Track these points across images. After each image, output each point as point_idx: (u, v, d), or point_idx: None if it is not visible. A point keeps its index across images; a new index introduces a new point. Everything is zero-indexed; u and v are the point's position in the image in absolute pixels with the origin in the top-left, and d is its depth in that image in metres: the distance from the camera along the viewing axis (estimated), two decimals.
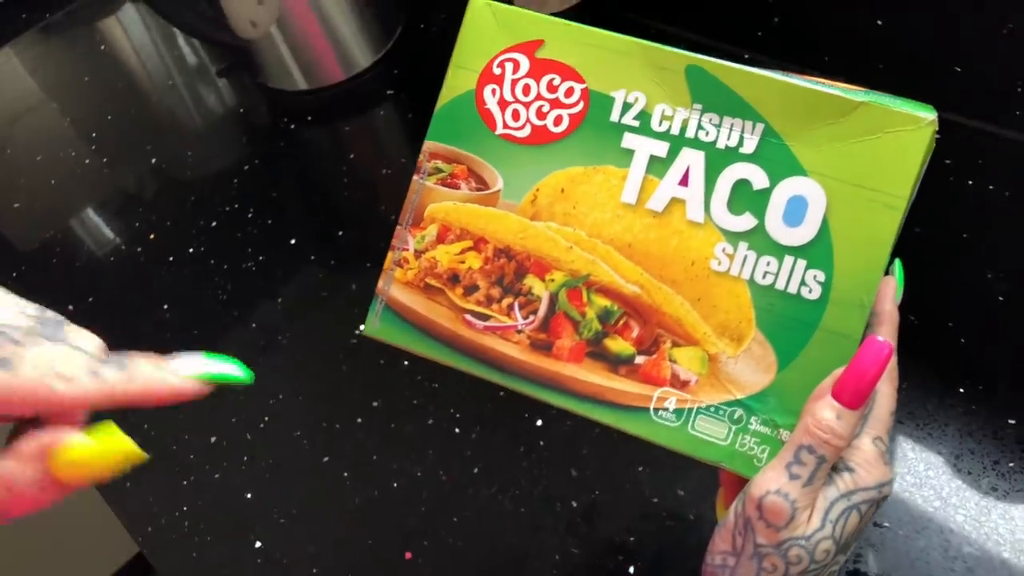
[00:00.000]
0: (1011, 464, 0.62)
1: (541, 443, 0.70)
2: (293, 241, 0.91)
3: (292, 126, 1.03)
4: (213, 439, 0.76)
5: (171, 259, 0.93)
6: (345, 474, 0.72)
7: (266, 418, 0.76)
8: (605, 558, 0.64)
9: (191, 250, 0.93)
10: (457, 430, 0.72)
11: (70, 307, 0.92)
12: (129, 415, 0.76)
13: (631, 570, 0.63)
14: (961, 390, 0.65)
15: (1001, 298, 0.69)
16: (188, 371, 0.36)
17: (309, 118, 1.04)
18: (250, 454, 0.74)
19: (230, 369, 0.37)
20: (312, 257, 0.89)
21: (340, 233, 0.91)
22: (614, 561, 0.63)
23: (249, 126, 1.08)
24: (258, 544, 0.70)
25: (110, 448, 0.33)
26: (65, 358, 0.33)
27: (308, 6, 0.98)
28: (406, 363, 0.77)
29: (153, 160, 1.04)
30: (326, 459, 0.73)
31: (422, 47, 1.06)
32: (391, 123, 1.03)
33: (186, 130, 1.09)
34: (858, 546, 0.60)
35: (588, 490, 0.67)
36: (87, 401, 0.33)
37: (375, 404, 0.75)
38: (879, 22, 0.81)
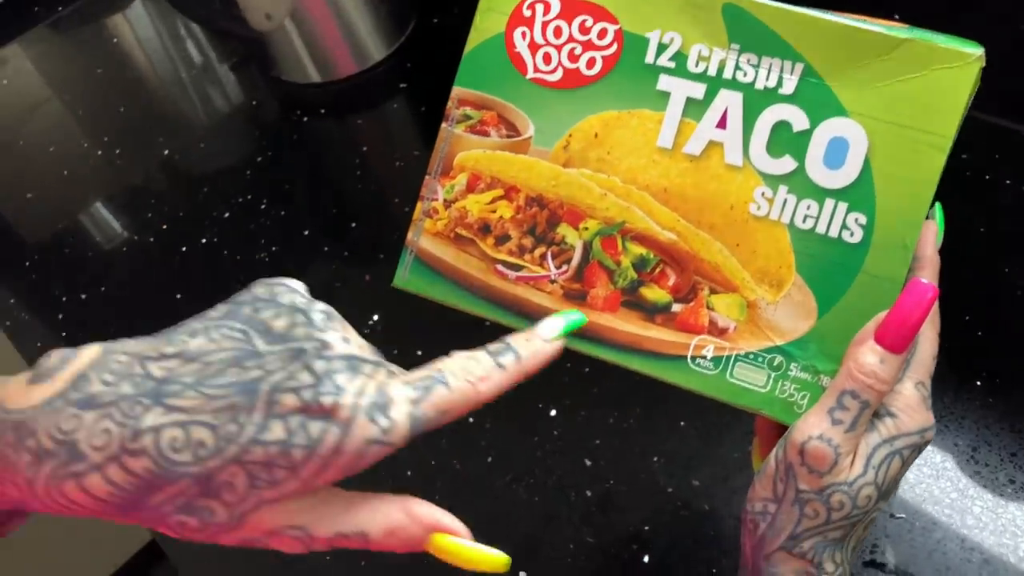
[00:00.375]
0: None
1: (555, 433, 0.69)
2: (306, 233, 0.90)
3: (305, 119, 1.03)
4: None
5: (184, 249, 0.92)
6: None
7: None
8: (620, 547, 0.63)
9: (203, 240, 0.92)
10: (471, 419, 0.71)
11: (83, 296, 0.91)
12: None
13: (645, 559, 0.62)
14: (978, 383, 0.65)
15: (1019, 292, 0.69)
16: (552, 333, 0.40)
17: (322, 111, 1.04)
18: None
19: (577, 317, 0.42)
20: (325, 248, 0.89)
21: (353, 225, 0.90)
22: (628, 551, 0.63)
23: (261, 119, 1.08)
24: None
25: (482, 559, 0.37)
26: (476, 362, 0.37)
27: None
28: (419, 352, 0.76)
29: (165, 152, 1.04)
30: None
31: (435, 41, 1.06)
32: (404, 116, 1.03)
33: (198, 123, 1.09)
34: (875, 537, 0.59)
35: (602, 480, 0.66)
36: (497, 394, 0.37)
37: None
38: (896, 15, 0.81)
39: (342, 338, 0.36)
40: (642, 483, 0.65)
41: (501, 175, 0.45)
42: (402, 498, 0.37)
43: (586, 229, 0.44)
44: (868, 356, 0.39)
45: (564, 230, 0.44)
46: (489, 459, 0.69)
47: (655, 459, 0.66)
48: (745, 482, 0.64)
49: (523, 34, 0.45)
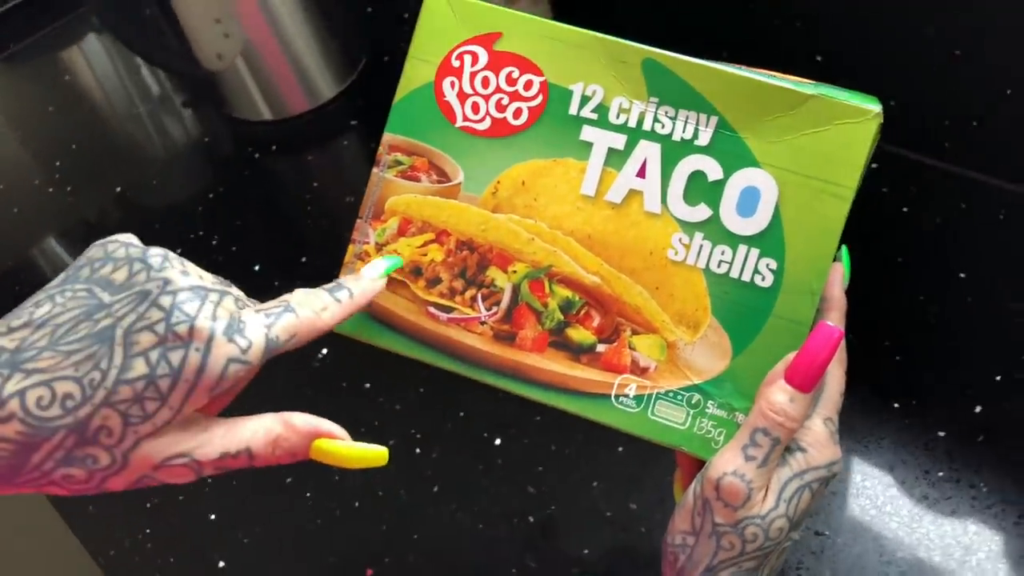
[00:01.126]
0: (940, 473, 0.63)
1: (500, 461, 0.71)
2: (257, 268, 0.91)
3: (256, 156, 1.03)
4: None
5: None
6: (308, 494, 0.71)
7: None
8: (561, 571, 0.64)
9: None
10: (418, 450, 0.72)
11: None
12: None
13: None
14: (896, 405, 0.67)
15: (932, 319, 0.71)
16: (376, 273, 0.44)
17: (274, 148, 1.04)
18: (214, 476, 0.73)
19: (395, 260, 0.46)
20: (276, 283, 0.88)
21: (304, 260, 0.91)
22: (569, 574, 0.64)
23: (214, 156, 1.08)
24: (221, 564, 0.69)
25: (361, 455, 0.40)
26: (316, 296, 0.41)
27: (273, 38, 0.99)
28: (367, 386, 0.77)
29: (118, 189, 1.04)
30: (289, 480, 0.73)
31: (386, 78, 1.05)
32: (355, 153, 1.04)
33: (151, 159, 1.09)
34: (799, 555, 0.61)
35: (545, 506, 0.67)
36: (337, 322, 0.41)
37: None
38: (818, 58, 0.84)
39: (181, 272, 0.37)
40: (582, 508, 0.67)
41: (432, 219, 0.46)
42: (279, 413, 0.40)
43: (515, 272, 0.45)
44: (778, 395, 0.41)
45: (494, 273, 0.46)
46: (435, 488, 0.70)
47: (595, 484, 0.68)
48: (662, 468, 0.66)
49: (452, 84, 0.46)
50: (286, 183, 1.03)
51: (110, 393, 0.35)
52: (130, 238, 0.39)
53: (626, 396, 0.44)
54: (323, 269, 0.87)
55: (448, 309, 0.46)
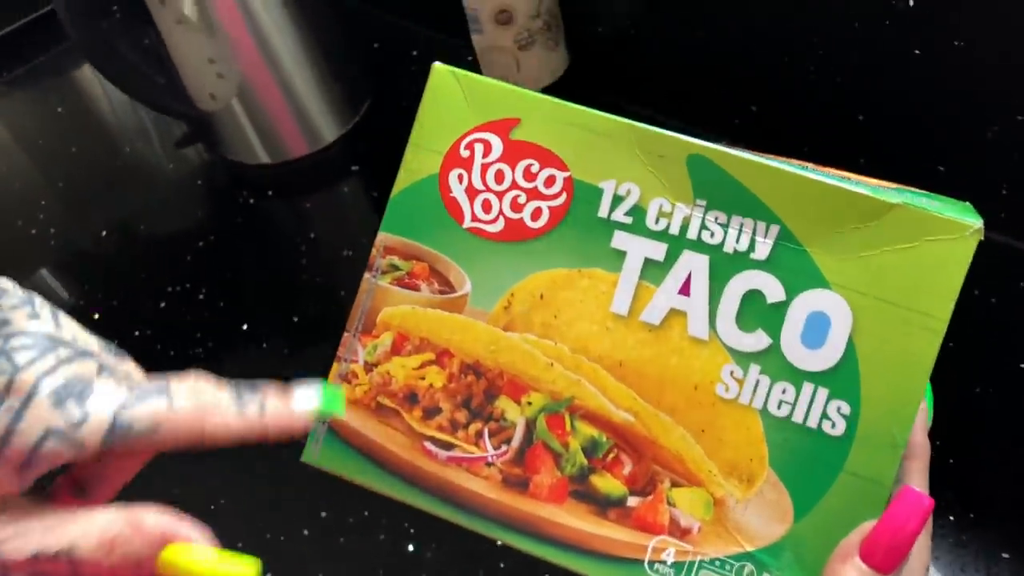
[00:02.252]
0: None
1: (502, 565, 0.65)
2: (245, 327, 0.85)
3: (251, 200, 0.99)
4: None
5: (115, 342, 0.86)
6: None
7: (209, 525, 0.69)
8: None
9: (136, 333, 0.87)
10: (410, 548, 0.67)
11: None
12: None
13: None
14: (951, 518, 0.61)
15: (991, 416, 0.65)
16: (307, 406, 0.35)
17: (270, 192, 1.00)
18: None
19: (337, 409, 0.37)
20: (264, 345, 0.84)
21: (295, 319, 0.86)
22: None
23: (206, 198, 1.03)
24: None
25: (220, 572, 0.32)
26: (212, 392, 0.33)
27: (271, 78, 0.95)
28: None
29: (103, 233, 0.99)
30: None
31: (391, 121, 1.02)
32: (356, 200, 0.99)
33: (140, 200, 1.04)
34: None
35: None
36: (231, 438, 0.33)
37: (323, 515, 0.69)
38: (860, 117, 0.78)
39: (30, 315, 0.31)
40: None
41: (432, 337, 0.40)
42: (128, 506, 0.32)
43: (529, 404, 0.39)
44: None
45: (504, 404, 0.39)
46: None
47: None
48: None
49: (460, 177, 0.40)
50: (281, 232, 0.98)
51: None
52: (3, 281, 0.33)
53: (663, 563, 0.37)
54: (316, 329, 0.83)
55: (448, 446, 0.39)
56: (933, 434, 0.62)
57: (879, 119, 0.76)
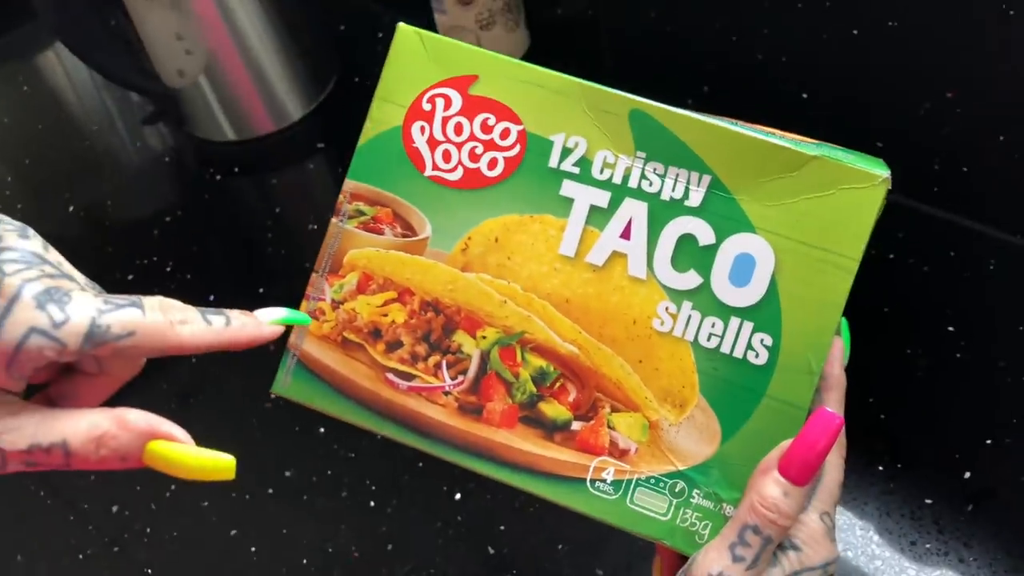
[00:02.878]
0: (928, 545, 0.61)
1: (459, 518, 0.67)
2: (212, 298, 0.86)
3: (218, 177, 1.00)
4: (115, 508, 0.71)
5: None
6: (253, 548, 0.68)
7: (172, 487, 0.72)
8: None
9: None
10: (372, 503, 0.69)
11: None
12: (30, 477, 0.70)
13: None
14: (880, 468, 0.65)
15: (919, 374, 0.69)
16: (270, 317, 0.38)
17: (236, 169, 1.01)
18: (153, 525, 0.70)
19: (303, 316, 0.41)
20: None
21: (261, 290, 0.87)
22: None
23: (173, 175, 1.04)
24: None
25: (203, 465, 0.34)
26: (180, 308, 0.35)
27: (238, 56, 0.96)
28: (322, 430, 0.73)
29: (71, 208, 1.00)
30: (233, 532, 0.69)
31: (356, 100, 1.01)
32: (321, 177, 1.00)
33: (107, 178, 1.05)
34: None
35: (505, 569, 0.64)
36: (199, 346, 0.35)
37: (287, 474, 0.72)
38: (804, 95, 0.82)
39: (20, 236, 0.33)
40: (546, 572, 0.64)
41: (395, 276, 0.43)
42: (113, 408, 0.34)
43: (484, 338, 0.42)
44: (771, 488, 0.37)
45: (461, 338, 0.42)
46: (389, 546, 0.66)
47: (560, 547, 0.65)
48: (647, 571, 0.62)
49: (422, 129, 0.42)
50: (248, 207, 1.00)
51: None
52: None
53: (603, 481, 0.40)
54: (283, 300, 0.85)
55: (409, 376, 0.42)
56: (867, 390, 0.66)
57: (821, 96, 0.79)
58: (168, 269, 0.90)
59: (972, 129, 0.75)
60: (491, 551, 0.65)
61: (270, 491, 0.71)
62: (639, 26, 0.88)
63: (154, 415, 0.34)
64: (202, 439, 0.74)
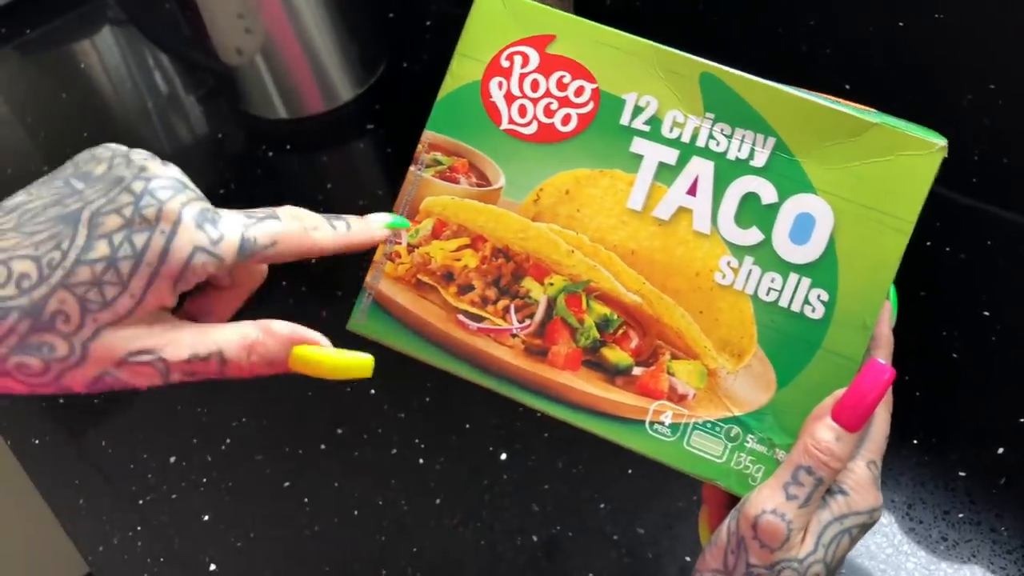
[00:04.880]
0: (960, 515, 0.62)
1: (505, 477, 0.69)
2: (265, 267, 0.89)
3: (270, 154, 1.02)
4: (172, 459, 0.73)
5: None
6: (305, 499, 0.69)
7: (228, 440, 0.74)
8: None
9: None
10: (421, 460, 0.71)
11: None
12: (89, 429, 0.72)
13: None
14: (915, 442, 0.66)
15: (955, 355, 0.70)
16: (383, 221, 0.41)
17: (288, 147, 1.03)
18: (209, 476, 0.72)
19: (402, 220, 0.43)
20: (283, 283, 0.87)
21: (313, 261, 0.88)
22: None
23: (226, 152, 1.06)
24: (213, 567, 0.67)
25: (345, 364, 0.37)
26: (309, 214, 0.38)
27: (294, 36, 0.98)
28: (372, 391, 0.75)
29: None
30: (286, 484, 0.71)
31: (404, 85, 1.06)
32: (369, 156, 1.02)
33: (161, 153, 1.04)
34: None
35: (549, 525, 0.66)
36: (329, 248, 0.38)
37: (339, 432, 0.73)
38: (846, 86, 0.83)
39: (162, 164, 0.36)
40: (588, 529, 0.65)
41: (468, 224, 0.44)
42: (257, 320, 0.37)
43: (551, 285, 0.43)
44: (825, 433, 0.39)
45: (529, 284, 0.44)
46: (438, 500, 0.68)
47: (602, 506, 0.66)
48: (688, 531, 0.65)
49: (500, 84, 0.44)
50: (298, 183, 1.01)
51: (68, 274, 0.32)
52: (119, 146, 0.37)
53: (661, 424, 0.42)
54: (330, 271, 0.87)
55: (479, 318, 0.44)
56: (904, 370, 0.68)
57: (864, 88, 0.80)
58: None
59: (1012, 121, 0.76)
60: (535, 508, 0.67)
61: (323, 447, 0.72)
62: (683, 18, 0.89)
63: (295, 324, 0.37)
64: (255, 400, 0.76)
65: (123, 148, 0.37)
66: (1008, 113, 0.74)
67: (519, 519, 0.66)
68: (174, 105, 1.12)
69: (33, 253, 0.33)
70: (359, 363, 0.37)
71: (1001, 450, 0.65)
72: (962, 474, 0.64)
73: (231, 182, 1.00)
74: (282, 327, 0.37)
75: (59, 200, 0.34)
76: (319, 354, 0.37)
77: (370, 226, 0.41)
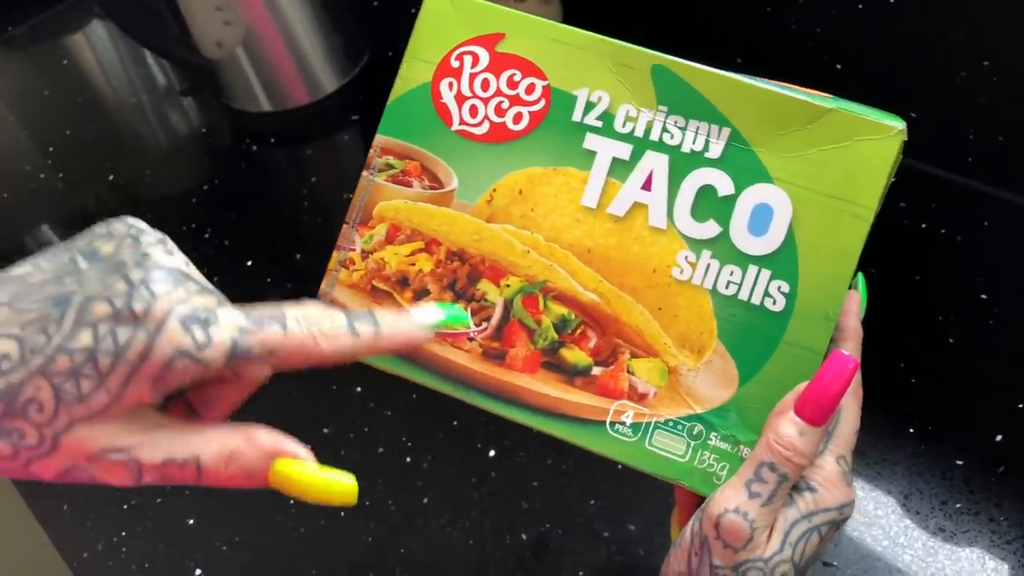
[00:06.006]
0: (958, 505, 0.61)
1: (493, 474, 0.68)
2: (249, 263, 0.88)
3: (254, 148, 1.01)
4: None
5: None
6: (291, 501, 0.69)
7: None
8: None
9: None
10: (408, 459, 0.70)
11: None
12: None
13: None
14: (911, 430, 0.65)
15: (951, 340, 0.69)
16: (427, 320, 0.38)
17: (272, 140, 1.02)
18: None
19: (461, 313, 0.40)
20: (268, 280, 0.87)
21: (298, 256, 0.89)
22: None
23: (211, 146, 1.06)
24: (198, 572, 0.66)
25: (327, 489, 0.35)
26: (325, 318, 0.35)
27: (275, 28, 0.97)
28: (358, 389, 0.75)
29: (111, 177, 1.02)
30: None
31: (388, 74, 1.03)
32: (354, 148, 1.02)
33: (146, 149, 1.07)
34: None
35: (539, 523, 0.65)
36: (343, 357, 0.36)
37: (325, 431, 0.73)
38: (838, 66, 0.82)
39: (165, 253, 0.35)
40: (578, 527, 0.65)
41: (422, 227, 0.44)
42: (241, 424, 0.36)
43: (508, 286, 0.43)
44: (787, 428, 0.38)
45: (485, 286, 0.43)
46: (425, 500, 0.68)
47: (592, 502, 0.66)
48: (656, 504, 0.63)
49: (450, 85, 0.44)
50: (283, 177, 1.01)
51: (48, 361, 0.32)
52: (137, 221, 0.36)
53: (622, 424, 0.42)
54: (317, 267, 0.86)
55: None
56: (899, 355, 0.67)
57: (856, 67, 0.79)
58: (207, 235, 0.92)
59: (1007, 99, 0.75)
60: (525, 505, 0.66)
61: (308, 447, 0.72)
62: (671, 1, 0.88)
63: (281, 434, 0.36)
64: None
65: (140, 226, 0.36)
66: (1002, 91, 0.73)
67: (508, 517, 0.66)
68: (159, 100, 1.12)
69: (19, 333, 0.32)
70: (342, 488, 0.36)
71: (999, 437, 0.63)
72: (959, 463, 0.63)
73: (215, 177, 0.99)
74: (265, 438, 0.35)
75: (59, 277, 0.33)
76: (300, 473, 0.35)
77: (407, 328, 0.38)
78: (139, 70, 1.16)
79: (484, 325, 0.43)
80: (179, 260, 0.35)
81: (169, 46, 1.01)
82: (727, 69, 0.42)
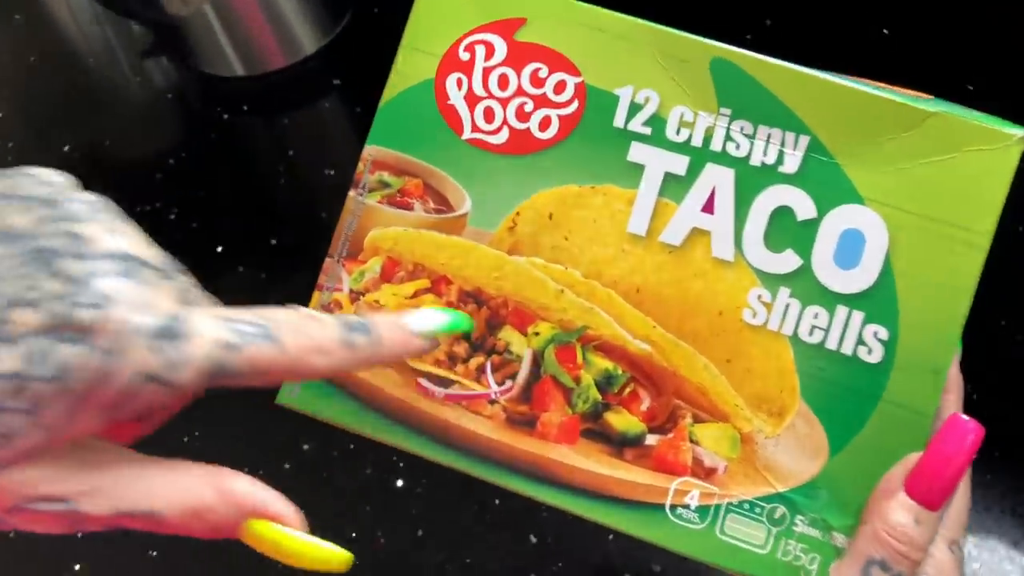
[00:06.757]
0: None
1: (497, 501, 0.64)
2: (220, 249, 0.84)
3: (225, 116, 0.96)
4: None
5: None
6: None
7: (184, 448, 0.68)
8: None
9: None
10: (400, 483, 0.66)
11: None
12: None
13: None
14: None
15: (1019, 352, 0.64)
16: (424, 327, 0.33)
17: (245, 107, 0.96)
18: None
19: (458, 320, 0.35)
20: (240, 268, 0.83)
21: (273, 241, 0.84)
22: None
23: (177, 114, 1.00)
24: None
25: (317, 557, 0.31)
26: (319, 329, 0.30)
27: None
28: None
29: (65, 148, 0.96)
30: None
31: (375, 32, 0.99)
32: (337, 117, 0.97)
33: (105, 115, 1.01)
34: None
35: (549, 561, 0.61)
36: (336, 373, 0.34)
37: (305, 447, 0.69)
38: (884, 31, 0.77)
39: (107, 231, 0.28)
40: (595, 566, 0.61)
41: (427, 261, 0.39)
42: (213, 469, 0.30)
43: (537, 335, 0.38)
44: (899, 515, 0.33)
45: (508, 335, 0.38)
46: (419, 532, 0.64)
47: (610, 537, 0.61)
48: (712, 570, 0.59)
49: (458, 82, 0.38)
50: (258, 150, 0.96)
51: None
52: (51, 174, 0.30)
53: (686, 507, 0.36)
54: (294, 253, 0.81)
55: (446, 382, 0.38)
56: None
57: (904, 33, 0.73)
58: (172, 217, 0.87)
59: None
60: (533, 540, 0.62)
61: (286, 466, 0.68)
62: None
63: (262, 487, 0.31)
64: (210, 411, 0.69)
65: (54, 184, 0.30)
66: None
67: (514, 555, 0.62)
68: (116, 64, 1.06)
69: None
70: (335, 557, 0.32)
71: None
72: None
73: (182, 150, 0.94)
74: (243, 494, 0.30)
75: None
76: (284, 537, 0.31)
77: (405, 339, 0.33)
78: (95, 28, 1.11)
79: (509, 384, 0.38)
80: (125, 238, 0.29)
81: (127, 2, 0.95)
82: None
